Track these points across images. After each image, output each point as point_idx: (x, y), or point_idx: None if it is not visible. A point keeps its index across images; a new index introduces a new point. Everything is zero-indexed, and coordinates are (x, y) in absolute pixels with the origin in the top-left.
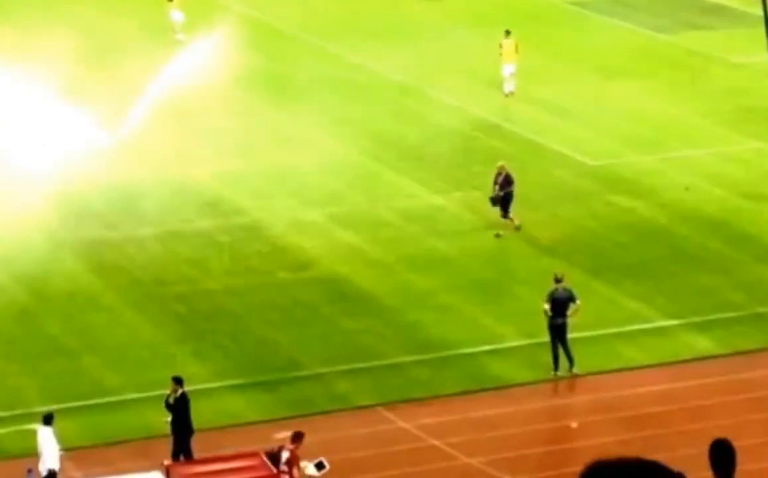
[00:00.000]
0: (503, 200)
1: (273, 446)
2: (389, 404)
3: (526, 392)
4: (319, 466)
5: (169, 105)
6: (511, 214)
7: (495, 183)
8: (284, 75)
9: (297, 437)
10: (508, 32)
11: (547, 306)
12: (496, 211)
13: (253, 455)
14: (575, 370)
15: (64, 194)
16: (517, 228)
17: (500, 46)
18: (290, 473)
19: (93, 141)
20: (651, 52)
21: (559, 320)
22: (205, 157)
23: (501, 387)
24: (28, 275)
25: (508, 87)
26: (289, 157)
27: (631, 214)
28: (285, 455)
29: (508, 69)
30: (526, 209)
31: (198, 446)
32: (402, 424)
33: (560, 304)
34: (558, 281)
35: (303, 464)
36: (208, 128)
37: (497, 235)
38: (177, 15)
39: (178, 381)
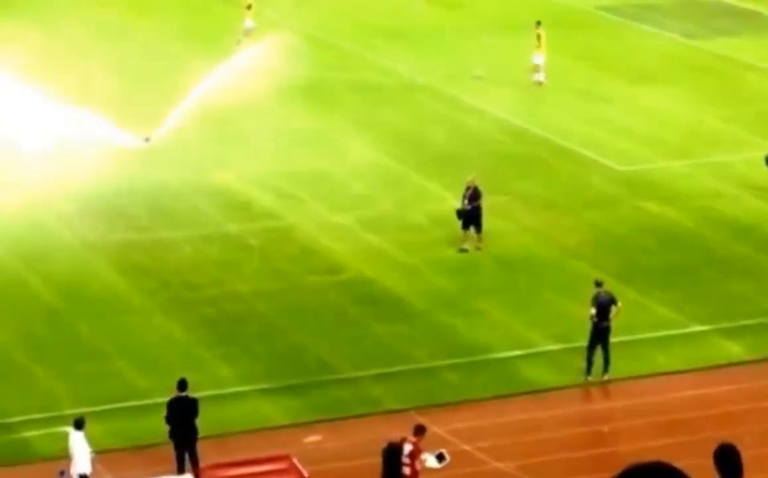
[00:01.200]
0: (470, 214)
1: (395, 438)
2: (420, 408)
3: (557, 396)
4: (440, 458)
5: (202, 109)
6: (480, 232)
7: (464, 197)
8: (314, 79)
9: (419, 430)
10: (538, 23)
11: (593, 311)
12: (471, 227)
13: (284, 458)
14: (607, 376)
15: (96, 197)
16: (478, 248)
17: (538, 36)
18: (412, 465)
19: (126, 144)
20: (680, 57)
21: (604, 324)
22: (235, 161)
23: (532, 391)
24: (59, 278)
25: (538, 77)
26: (319, 160)
27: (660, 220)
28: (407, 448)
29: (536, 59)
30: (555, 214)
31: (228, 450)
32: (433, 428)
33: (604, 307)
34: (599, 284)
35: (423, 456)
36: (238, 132)
37: (462, 250)
38: (249, 23)
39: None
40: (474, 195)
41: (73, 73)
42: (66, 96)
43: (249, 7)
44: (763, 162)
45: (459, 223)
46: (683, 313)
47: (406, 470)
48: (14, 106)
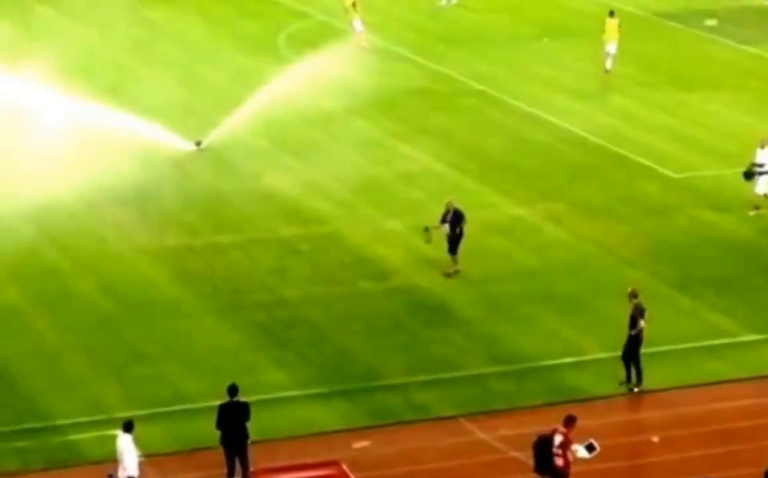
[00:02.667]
0: (455, 238)
1: (546, 430)
2: (469, 415)
3: (607, 405)
4: (590, 448)
5: (256, 114)
6: (458, 255)
7: (443, 221)
8: (367, 84)
9: (570, 421)
10: (611, 13)
11: (643, 323)
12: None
13: (334, 464)
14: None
15: (148, 201)
16: (456, 272)
17: (604, 25)
18: (564, 456)
19: (178, 148)
20: (737, 63)
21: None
22: (287, 166)
23: (581, 400)
24: (110, 283)
25: (608, 64)
26: (372, 166)
27: (715, 228)
28: (558, 439)
29: (609, 47)
30: (611, 222)
31: (277, 454)
32: (482, 435)
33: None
34: (635, 295)
35: (574, 447)
36: (292, 137)
37: (447, 275)
38: (357, 23)
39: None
40: (455, 218)
41: (129, 75)
42: (119, 100)
43: (354, 5)
44: (742, 177)
45: (446, 247)
46: (738, 321)
47: (558, 461)
48: (66, 109)
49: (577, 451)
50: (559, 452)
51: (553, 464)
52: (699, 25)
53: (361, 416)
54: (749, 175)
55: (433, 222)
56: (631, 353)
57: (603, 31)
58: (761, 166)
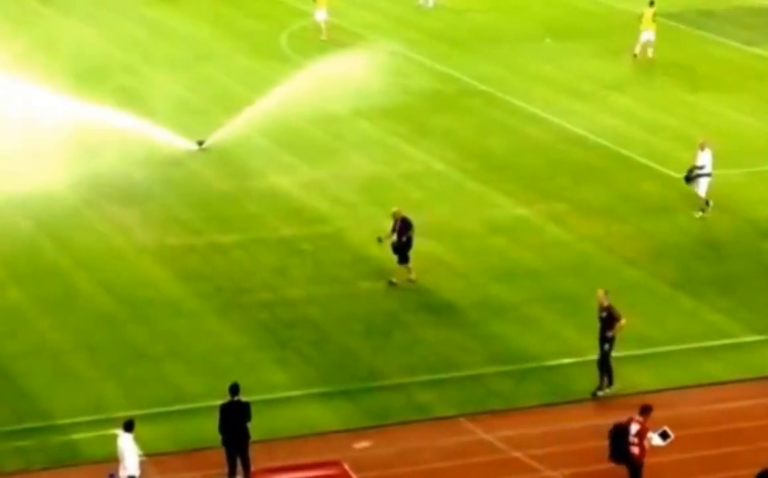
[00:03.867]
0: (403, 247)
1: (622, 419)
2: (471, 415)
3: (608, 404)
4: (664, 435)
5: (258, 115)
6: (410, 264)
7: (393, 231)
8: (371, 84)
9: (646, 410)
10: (651, 2)
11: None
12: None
13: (335, 464)
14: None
15: (150, 201)
16: (411, 281)
17: (641, 15)
18: (640, 444)
19: (180, 148)
20: (740, 65)
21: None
22: (289, 166)
23: (583, 400)
24: (112, 282)
25: (641, 50)
26: (374, 166)
27: (716, 228)
28: (634, 428)
29: (645, 35)
30: (612, 222)
31: (278, 454)
32: (483, 435)
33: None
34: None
35: (649, 434)
36: (292, 137)
37: (391, 283)
38: (321, 14)
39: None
40: (403, 226)
41: (131, 74)
42: (121, 99)
43: None
44: (683, 180)
45: (395, 258)
46: (738, 322)
47: (635, 450)
48: (68, 109)
49: (651, 439)
50: (636, 440)
51: (629, 453)
52: (701, 24)
53: (362, 416)
54: (689, 178)
55: (382, 232)
56: (605, 357)
57: (640, 19)
58: (701, 168)
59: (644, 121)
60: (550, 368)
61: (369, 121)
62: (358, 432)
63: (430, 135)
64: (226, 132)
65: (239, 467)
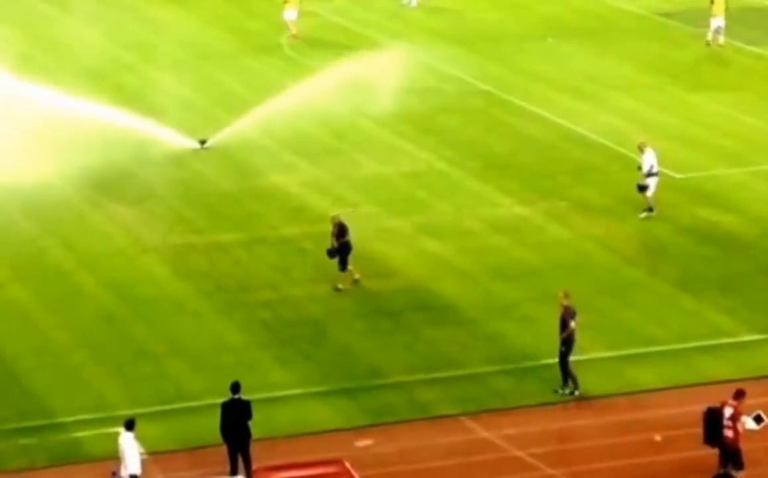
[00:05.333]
0: (340, 252)
1: (716, 403)
2: (472, 414)
3: (609, 403)
4: (758, 419)
5: (261, 115)
6: (350, 266)
7: (332, 235)
8: (371, 83)
9: (739, 394)
10: None
11: (573, 324)
12: (335, 263)
13: (337, 462)
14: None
15: (152, 200)
16: (355, 281)
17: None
18: (733, 427)
19: (183, 147)
20: (740, 63)
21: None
22: (290, 165)
23: (583, 399)
24: (114, 280)
25: (713, 36)
26: (376, 165)
27: (717, 228)
28: (728, 411)
29: (715, 22)
30: (613, 221)
31: (279, 452)
32: (484, 434)
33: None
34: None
35: (743, 418)
36: (293, 136)
37: (336, 289)
38: (289, 13)
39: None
40: (340, 231)
41: (133, 74)
42: (124, 99)
43: None
44: (635, 189)
45: (336, 264)
46: (740, 321)
47: (728, 433)
48: (71, 108)
49: (745, 423)
50: (730, 424)
51: (723, 436)
52: (701, 24)
53: (363, 414)
54: (642, 188)
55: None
56: (562, 358)
57: (711, 3)
58: (651, 170)
59: (645, 120)
60: (551, 367)
61: (370, 120)
62: (360, 430)
63: (432, 134)
64: (228, 131)
65: (240, 465)
